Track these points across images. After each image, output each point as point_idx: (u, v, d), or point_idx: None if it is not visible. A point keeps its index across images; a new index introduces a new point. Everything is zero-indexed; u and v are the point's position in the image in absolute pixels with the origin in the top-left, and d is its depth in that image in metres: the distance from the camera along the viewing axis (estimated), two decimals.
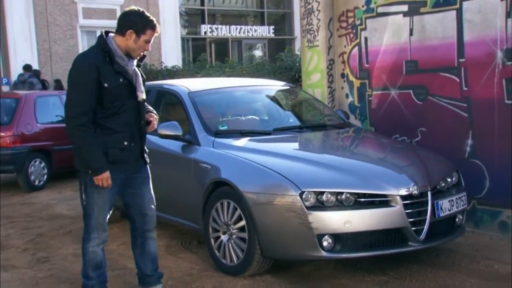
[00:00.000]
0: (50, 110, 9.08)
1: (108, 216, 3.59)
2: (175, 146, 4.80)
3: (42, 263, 4.77)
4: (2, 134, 8.13)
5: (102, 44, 3.39)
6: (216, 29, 19.09)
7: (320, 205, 3.79)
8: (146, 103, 3.66)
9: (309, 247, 3.79)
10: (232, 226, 4.17)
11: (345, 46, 6.26)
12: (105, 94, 3.33)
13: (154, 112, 3.76)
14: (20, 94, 9.14)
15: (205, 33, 18.87)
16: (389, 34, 5.76)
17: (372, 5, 5.90)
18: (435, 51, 5.35)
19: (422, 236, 3.90)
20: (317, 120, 5.64)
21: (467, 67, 5.11)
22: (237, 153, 4.36)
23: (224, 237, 4.24)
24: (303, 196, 3.78)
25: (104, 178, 3.36)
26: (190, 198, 4.61)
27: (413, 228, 3.86)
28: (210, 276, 4.24)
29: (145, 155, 3.65)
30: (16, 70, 14.03)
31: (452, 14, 5.17)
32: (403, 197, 3.85)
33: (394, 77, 5.76)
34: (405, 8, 5.59)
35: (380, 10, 5.84)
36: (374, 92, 6.00)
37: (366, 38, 6.02)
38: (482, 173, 5.05)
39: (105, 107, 3.38)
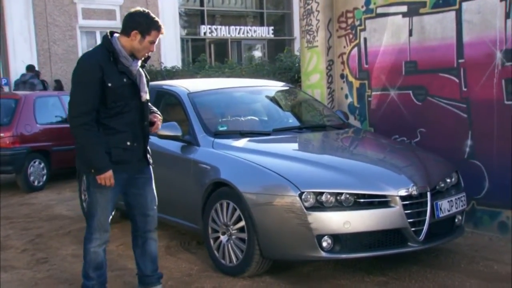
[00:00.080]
0: (50, 110, 9.08)
1: (111, 217, 3.60)
2: (174, 146, 4.80)
3: (41, 264, 4.76)
4: (2, 134, 8.12)
5: (106, 44, 3.40)
6: (216, 29, 19.09)
7: (320, 206, 3.79)
8: (150, 104, 3.67)
9: (309, 248, 3.79)
10: (231, 226, 4.17)
11: (344, 47, 6.27)
12: (108, 93, 3.34)
13: (158, 113, 3.77)
14: (19, 94, 9.14)
15: (204, 33, 18.87)
16: (389, 35, 5.76)
17: (372, 6, 5.91)
18: (434, 52, 5.35)
19: (422, 236, 3.90)
20: (316, 120, 5.64)
21: (467, 67, 5.11)
22: (236, 154, 4.36)
23: (223, 238, 4.24)
24: (303, 197, 3.78)
25: (107, 178, 3.36)
26: (189, 199, 4.61)
27: (413, 229, 3.87)
28: (209, 276, 4.24)
29: (148, 156, 3.65)
30: (16, 71, 14.02)
31: (452, 14, 5.18)
32: (403, 198, 3.86)
33: (393, 77, 5.76)
34: (404, 8, 5.59)
35: (379, 10, 5.84)
36: (373, 93, 6.00)
37: (365, 39, 6.02)
38: (482, 173, 5.05)
39: (109, 107, 3.38)
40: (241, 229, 4.09)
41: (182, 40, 18.19)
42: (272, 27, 20.19)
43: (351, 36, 6.17)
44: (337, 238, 3.79)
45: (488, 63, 4.92)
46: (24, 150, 8.25)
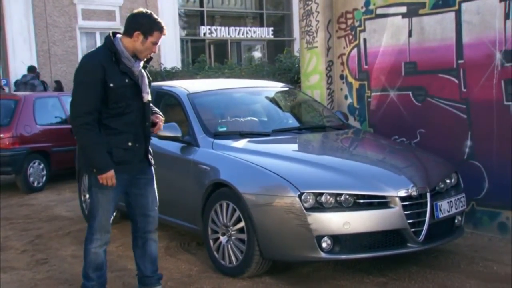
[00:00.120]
0: (49, 111, 9.08)
1: (112, 218, 3.60)
2: (174, 147, 4.80)
3: (41, 265, 4.76)
4: (1, 135, 8.12)
5: (109, 45, 3.41)
6: (215, 30, 19.10)
7: (319, 206, 3.79)
8: (151, 105, 3.68)
9: (308, 249, 3.79)
10: (231, 227, 4.17)
11: (344, 48, 6.27)
12: (110, 94, 3.35)
13: (160, 114, 3.78)
14: (19, 95, 9.14)
15: (204, 34, 18.88)
16: (388, 36, 5.77)
17: (371, 7, 5.91)
18: (434, 53, 5.35)
19: (421, 237, 3.90)
20: (316, 121, 5.64)
21: (466, 68, 5.12)
22: (236, 155, 4.36)
23: (223, 239, 4.24)
24: (302, 198, 3.78)
25: (109, 177, 3.37)
26: (189, 200, 4.61)
27: (412, 230, 3.87)
28: (209, 277, 4.24)
29: (150, 156, 3.66)
30: (15, 71, 14.03)
31: (451, 15, 5.18)
32: (402, 199, 3.86)
33: (393, 78, 5.76)
34: (404, 9, 5.59)
35: (379, 11, 5.84)
36: (373, 94, 6.00)
37: (365, 40, 6.02)
38: (481, 174, 5.06)
39: (110, 107, 3.39)
40: (240, 230, 4.09)
41: (182, 41, 18.20)
42: (271, 28, 20.19)
43: (350, 37, 6.18)
44: (336, 238, 3.79)
45: (488, 64, 4.93)
46: (23, 151, 8.25)
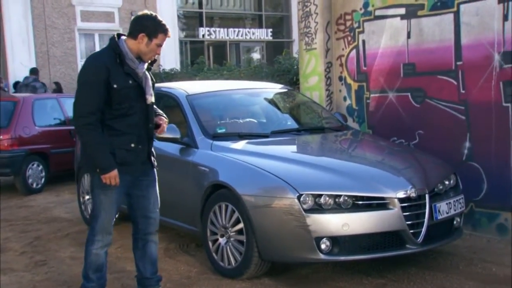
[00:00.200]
0: (48, 113, 9.06)
1: (115, 219, 3.60)
2: (173, 149, 4.80)
3: (40, 266, 4.76)
4: (0, 137, 8.11)
5: (113, 46, 3.43)
6: (214, 32, 19.11)
7: (318, 208, 3.79)
8: (155, 107, 3.69)
9: (307, 250, 3.79)
10: (230, 229, 4.17)
11: (343, 49, 6.27)
12: (113, 95, 3.36)
13: (164, 115, 3.78)
14: (18, 96, 9.13)
15: (203, 36, 18.88)
16: (387, 37, 5.77)
17: (370, 8, 5.92)
18: (432, 54, 5.36)
19: (420, 238, 3.90)
20: (315, 123, 5.64)
21: (465, 70, 5.12)
22: (235, 156, 4.37)
23: (222, 240, 4.24)
24: (301, 199, 3.78)
25: (112, 177, 3.37)
26: (188, 201, 4.61)
27: (411, 231, 3.87)
28: (208, 279, 4.24)
29: (153, 158, 3.66)
30: (14, 73, 14.02)
31: (450, 17, 5.19)
32: (401, 200, 3.86)
33: (391, 80, 5.77)
34: (402, 11, 5.60)
35: (377, 13, 5.85)
36: (372, 95, 6.00)
37: (363, 41, 6.03)
38: (480, 175, 5.06)
39: (114, 108, 3.40)
40: (239, 231, 4.09)
41: (181, 42, 18.20)
42: (270, 30, 20.20)
43: (349, 38, 6.18)
44: (335, 240, 3.79)
45: (486, 65, 4.93)
46: (22, 152, 8.24)
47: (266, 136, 4.83)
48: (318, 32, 6.35)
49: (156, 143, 4.73)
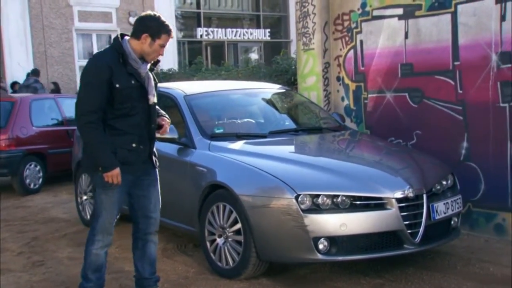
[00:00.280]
0: (46, 113, 9.05)
1: (116, 220, 3.60)
2: (170, 149, 4.79)
3: (37, 267, 4.75)
4: None
5: (117, 46, 3.44)
6: (212, 32, 19.10)
7: (316, 208, 3.79)
8: (158, 107, 3.70)
9: (305, 250, 3.79)
10: (228, 229, 4.17)
11: (340, 49, 6.28)
12: (116, 94, 3.37)
13: (166, 116, 3.79)
14: (15, 97, 9.11)
15: (201, 36, 18.88)
16: (385, 37, 5.78)
17: (368, 8, 5.92)
18: (430, 54, 5.36)
19: (418, 238, 3.90)
20: (312, 123, 5.65)
21: (462, 70, 5.13)
22: (233, 156, 4.36)
23: (220, 240, 4.24)
24: (299, 199, 3.78)
25: (114, 175, 3.38)
26: (186, 201, 4.61)
27: (409, 231, 3.87)
28: (205, 279, 4.24)
29: (154, 158, 3.66)
30: (12, 74, 14.00)
31: (447, 17, 5.20)
32: (399, 200, 3.86)
33: (389, 80, 5.77)
34: (400, 11, 5.61)
35: (375, 13, 5.85)
36: (369, 95, 6.01)
37: (361, 41, 6.03)
38: (477, 175, 5.07)
39: (116, 108, 3.41)
40: (237, 232, 4.09)
41: (179, 42, 18.20)
42: (268, 30, 20.21)
43: (347, 38, 6.19)
44: (333, 240, 3.79)
45: (484, 66, 4.94)
46: (20, 153, 8.23)
47: (264, 137, 4.83)
48: (316, 32, 6.36)
49: None
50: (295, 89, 6.90)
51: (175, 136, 4.62)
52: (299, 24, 6.55)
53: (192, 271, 4.43)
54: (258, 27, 20.26)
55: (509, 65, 4.78)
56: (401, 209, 3.85)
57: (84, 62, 16.00)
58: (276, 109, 5.67)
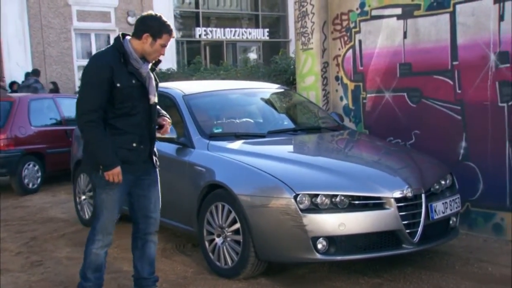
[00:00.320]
0: (44, 113, 9.05)
1: (116, 220, 3.60)
2: (169, 149, 4.79)
3: (36, 267, 4.75)
4: None
5: (118, 46, 3.45)
6: (211, 32, 19.10)
7: (315, 208, 3.79)
8: (159, 107, 3.71)
9: (304, 250, 3.79)
10: (226, 229, 4.17)
11: (339, 49, 6.28)
12: (116, 94, 3.37)
13: (167, 116, 3.80)
14: (14, 97, 9.11)
15: (199, 36, 18.88)
16: (383, 37, 5.78)
17: (366, 8, 5.92)
18: (428, 54, 5.37)
19: (416, 238, 3.90)
20: (311, 122, 5.65)
21: (461, 70, 5.13)
22: (231, 156, 4.36)
23: (218, 240, 4.24)
24: (298, 199, 3.78)
25: (115, 174, 3.38)
26: (184, 201, 4.61)
27: (407, 231, 3.87)
28: (204, 279, 4.23)
29: (155, 158, 3.66)
30: (10, 73, 13.99)
31: (446, 17, 5.20)
32: (397, 200, 3.86)
33: (388, 79, 5.78)
34: (399, 11, 5.61)
35: (374, 13, 5.86)
36: (368, 95, 6.01)
37: (360, 41, 6.03)
38: (476, 175, 5.07)
39: (116, 107, 3.41)
40: (236, 231, 4.09)
41: (177, 42, 18.19)
42: (267, 29, 20.21)
43: (346, 38, 6.19)
44: (332, 240, 3.79)
45: (482, 65, 4.94)
46: (18, 152, 8.22)
47: (263, 136, 4.83)
48: (315, 32, 6.36)
49: None
50: (294, 89, 6.90)
51: (174, 136, 4.62)
52: (298, 23, 6.55)
53: (191, 271, 4.43)
54: (257, 26, 20.27)
55: (508, 65, 4.78)
56: (399, 208, 3.86)
57: (82, 62, 16.10)
58: (275, 108, 5.67)
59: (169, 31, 3.45)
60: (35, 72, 12.62)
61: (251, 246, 3.96)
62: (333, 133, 5.23)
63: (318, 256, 3.78)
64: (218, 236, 4.24)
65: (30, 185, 8.40)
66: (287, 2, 19.78)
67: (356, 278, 4.12)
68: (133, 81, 3.43)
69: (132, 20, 16.46)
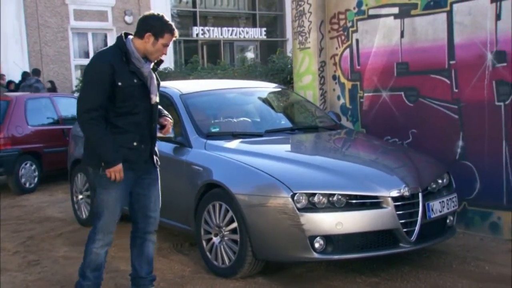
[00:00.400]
0: (41, 112, 9.03)
1: (118, 219, 3.59)
2: (166, 148, 4.78)
3: (33, 266, 4.74)
4: None
5: (120, 45, 3.45)
6: (208, 31, 19.09)
7: (312, 207, 3.79)
8: (161, 107, 3.71)
9: (301, 249, 3.80)
10: (224, 228, 4.17)
11: (336, 48, 6.28)
12: (118, 92, 3.38)
13: (169, 116, 3.80)
14: (10, 96, 9.09)
15: (197, 35, 18.87)
16: (380, 36, 5.78)
17: (363, 7, 5.93)
18: (425, 53, 5.37)
19: (413, 237, 3.91)
20: (308, 122, 5.65)
21: (458, 69, 5.14)
22: (229, 155, 4.36)
23: (216, 239, 4.24)
24: (295, 198, 3.78)
25: (117, 171, 3.38)
26: (182, 200, 4.61)
27: (404, 230, 3.88)
28: (201, 278, 4.23)
29: (155, 158, 3.66)
30: (7, 73, 13.95)
31: (443, 16, 5.20)
32: (394, 199, 3.87)
33: (385, 79, 5.78)
34: (396, 10, 5.61)
35: (371, 12, 5.86)
36: (365, 94, 6.02)
37: (357, 40, 6.04)
38: (473, 174, 5.08)
39: (118, 106, 3.42)
40: (233, 231, 4.09)
41: (174, 41, 18.04)
42: (264, 29, 20.21)
43: (343, 37, 6.19)
44: (329, 239, 3.80)
45: (479, 65, 4.95)
46: (15, 152, 8.21)
47: (260, 135, 4.83)
48: (312, 31, 6.36)
49: None
50: (291, 88, 6.90)
51: (171, 135, 4.61)
52: (295, 23, 6.55)
53: (188, 270, 4.43)
54: (254, 26, 20.26)
55: (505, 64, 4.79)
56: (396, 207, 3.86)
57: (79, 61, 16.09)
58: (272, 108, 5.67)
59: (171, 31, 3.46)
60: (36, 72, 12.60)
61: (249, 245, 3.96)
62: (331, 132, 5.24)
63: (316, 255, 3.78)
64: (216, 235, 4.24)
65: (27, 185, 8.39)
66: (284, 1, 19.79)
67: (353, 277, 4.13)
68: (135, 80, 3.43)
69: (129, 19, 16.45)
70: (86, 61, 15.06)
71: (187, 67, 12.00)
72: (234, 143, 4.61)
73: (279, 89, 6.04)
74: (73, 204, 6.19)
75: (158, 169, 3.71)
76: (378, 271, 4.19)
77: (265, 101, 5.67)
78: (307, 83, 6.50)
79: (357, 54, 6.06)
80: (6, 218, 6.67)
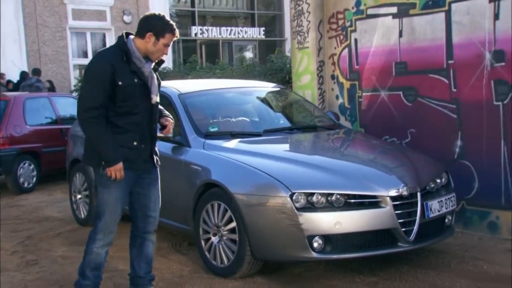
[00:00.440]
0: (40, 112, 9.02)
1: (119, 219, 3.59)
2: (165, 147, 4.78)
3: (31, 266, 4.74)
4: None
5: (121, 44, 3.45)
6: (207, 30, 19.08)
7: (311, 206, 3.79)
8: (161, 107, 3.71)
9: (300, 248, 3.80)
10: (222, 227, 4.17)
11: (335, 48, 6.28)
12: (118, 92, 3.38)
13: (170, 116, 3.81)
14: (9, 95, 9.08)
15: (195, 34, 18.85)
16: (379, 36, 5.79)
17: (362, 7, 5.93)
18: (424, 53, 5.38)
19: (412, 236, 3.91)
20: (307, 121, 5.65)
21: (456, 68, 5.15)
22: (227, 155, 4.36)
23: (214, 239, 4.24)
24: (294, 198, 3.78)
25: (117, 169, 3.38)
26: (180, 200, 4.60)
27: (403, 229, 3.88)
28: (200, 277, 4.23)
29: (156, 158, 3.67)
30: (6, 72, 13.92)
31: (441, 16, 5.21)
32: (393, 198, 3.87)
33: (383, 78, 5.78)
34: (394, 10, 5.62)
35: (369, 12, 5.86)
36: (364, 94, 6.02)
37: (356, 40, 6.04)
38: (471, 174, 5.08)
39: (118, 106, 3.42)
40: (232, 230, 4.09)
41: (173, 41, 18.14)
42: (263, 28, 20.20)
43: (341, 37, 6.19)
44: (328, 238, 3.80)
45: (478, 64, 4.96)
46: (13, 151, 8.20)
47: (259, 135, 4.83)
48: (311, 30, 6.36)
49: None
50: (290, 88, 6.90)
51: (170, 134, 4.61)
52: (294, 22, 6.55)
53: (187, 270, 4.42)
54: (253, 25, 20.25)
55: (503, 64, 4.80)
56: (395, 207, 3.86)
57: (78, 61, 16.07)
58: (271, 107, 5.67)
59: (172, 31, 3.46)
60: (36, 71, 12.58)
61: (247, 245, 3.96)
62: (329, 132, 5.24)
63: (314, 254, 3.78)
64: (214, 235, 4.24)
65: (26, 184, 8.38)
66: (283, 1, 19.78)
67: (352, 276, 4.13)
68: (135, 80, 3.43)
69: (127, 19, 16.43)
70: (84, 61, 15.11)
71: (186, 66, 11.99)
72: (233, 143, 4.61)
73: (278, 89, 6.04)
74: (71, 203, 6.18)
75: (158, 169, 3.71)
76: (376, 271, 4.20)
77: (263, 100, 5.67)
78: (305, 83, 6.50)
79: (355, 54, 6.06)
80: (5, 217, 6.66)
